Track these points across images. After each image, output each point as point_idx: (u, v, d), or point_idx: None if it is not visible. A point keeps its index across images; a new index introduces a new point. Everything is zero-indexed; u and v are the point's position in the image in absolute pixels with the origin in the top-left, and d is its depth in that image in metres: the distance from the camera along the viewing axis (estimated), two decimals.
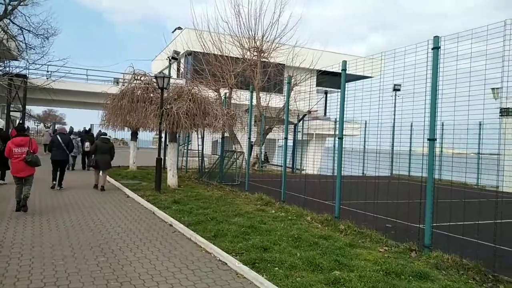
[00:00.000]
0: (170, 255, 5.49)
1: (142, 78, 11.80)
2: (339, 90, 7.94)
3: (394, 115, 14.34)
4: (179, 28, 36.15)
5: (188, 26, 24.68)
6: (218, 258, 5.38)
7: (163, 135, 12.13)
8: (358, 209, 8.78)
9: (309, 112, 19.54)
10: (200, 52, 19.21)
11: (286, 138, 10.90)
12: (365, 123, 17.40)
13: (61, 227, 6.82)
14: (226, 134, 13.64)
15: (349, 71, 7.96)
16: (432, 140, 5.84)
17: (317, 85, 29.39)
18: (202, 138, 14.51)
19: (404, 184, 15.29)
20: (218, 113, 11.15)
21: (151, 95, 11.63)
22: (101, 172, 11.59)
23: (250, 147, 11.66)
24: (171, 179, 12.19)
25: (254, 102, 19.46)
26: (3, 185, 11.33)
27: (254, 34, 19.51)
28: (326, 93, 33.31)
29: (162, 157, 11.54)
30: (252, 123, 15.33)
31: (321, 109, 34.05)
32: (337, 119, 8.38)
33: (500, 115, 13.29)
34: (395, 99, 19.84)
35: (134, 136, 17.34)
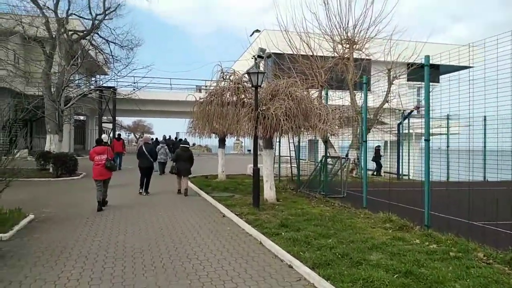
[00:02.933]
0: None
1: (231, 78, 10.26)
2: (434, 83, 5.94)
3: None
4: (257, 31, 34.91)
5: (268, 28, 23.14)
6: None
7: (257, 141, 10.42)
8: None
9: (417, 108, 16.57)
10: (280, 53, 17.36)
11: (365, 141, 9.44)
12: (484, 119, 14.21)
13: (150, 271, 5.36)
14: (329, 138, 11.54)
15: (443, 61, 7.62)
16: None
17: (408, 80, 25.99)
18: (298, 142, 12.60)
19: None
20: (322, 113, 9.14)
21: (242, 96, 10.04)
22: (182, 177, 12.03)
23: (366, 152, 9.41)
24: (269, 192, 10.46)
25: (347, 100, 17.14)
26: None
27: (346, 24, 17.13)
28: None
29: (258, 167, 9.85)
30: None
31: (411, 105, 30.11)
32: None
33: None
34: None
35: (222, 143, 16.08)
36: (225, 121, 9.73)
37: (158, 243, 6.46)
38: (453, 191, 10.50)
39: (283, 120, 8.45)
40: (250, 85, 9.24)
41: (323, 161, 12.67)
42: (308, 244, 6.07)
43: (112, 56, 23.49)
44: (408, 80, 24.06)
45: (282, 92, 9.05)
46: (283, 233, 6.81)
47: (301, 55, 17.25)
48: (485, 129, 14.41)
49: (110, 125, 36.17)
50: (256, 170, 9.47)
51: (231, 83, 9.99)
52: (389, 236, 6.72)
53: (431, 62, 7.12)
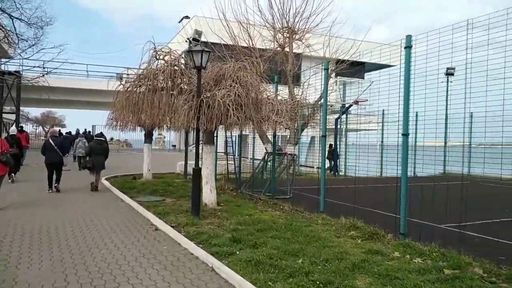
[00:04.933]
0: None
1: (165, 58, 8.47)
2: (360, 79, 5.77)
3: (447, 104, 11.37)
4: (187, 17, 32.68)
5: (200, 15, 21.27)
6: None
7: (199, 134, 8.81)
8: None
9: (356, 102, 16.18)
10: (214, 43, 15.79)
11: (324, 136, 8.32)
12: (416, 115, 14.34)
13: None
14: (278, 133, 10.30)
15: (373, 59, 8.13)
16: None
17: (337, 76, 26.10)
18: (240, 137, 11.23)
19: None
20: (275, 103, 7.86)
21: (179, 81, 8.34)
22: (95, 172, 11.41)
23: (325, 146, 8.39)
24: (209, 195, 8.92)
25: (286, 93, 16.19)
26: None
27: (287, 11, 16.08)
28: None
29: (199, 167, 8.23)
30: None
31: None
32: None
33: None
34: (447, 86, 16.63)
35: (149, 137, 14.07)
36: (158, 111, 7.96)
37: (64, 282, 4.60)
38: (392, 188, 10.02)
39: (232, 110, 6.98)
40: (190, 67, 7.60)
41: (266, 158, 11.48)
42: (275, 267, 4.71)
43: (16, 35, 19.65)
44: (337, 75, 24.03)
45: (230, 76, 7.55)
46: (238, 252, 5.37)
47: (239, 44, 15.84)
48: (416, 126, 14.47)
49: (13, 117, 31.20)
50: (197, 171, 7.88)
51: (165, 64, 8.20)
52: (362, 249, 5.65)
53: (360, 59, 6.87)
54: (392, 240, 6.05)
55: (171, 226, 6.92)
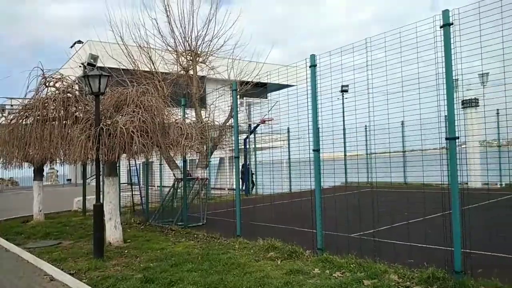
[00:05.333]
0: None
1: (57, 85, 7.55)
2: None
3: (344, 119, 12.53)
4: (79, 41, 30.51)
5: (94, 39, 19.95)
6: None
7: (99, 166, 7.97)
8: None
9: (263, 122, 16.55)
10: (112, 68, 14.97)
11: (237, 157, 8.52)
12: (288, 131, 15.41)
13: None
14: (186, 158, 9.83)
15: (274, 80, 8.22)
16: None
17: (241, 97, 26.70)
18: (147, 165, 10.54)
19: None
20: (184, 127, 7.53)
21: (73, 109, 7.49)
22: None
23: (241, 168, 8.28)
24: (113, 232, 8.08)
25: (193, 116, 15.93)
26: None
27: (189, 34, 15.99)
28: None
29: (101, 202, 7.38)
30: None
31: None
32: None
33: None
34: (343, 102, 18.08)
35: (39, 173, 12.43)
36: (49, 144, 7.00)
37: None
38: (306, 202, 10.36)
39: (137, 137, 6.43)
40: (85, 94, 6.89)
41: (175, 185, 10.94)
42: None
43: None
44: (242, 96, 24.52)
45: (132, 101, 7.01)
46: None
47: (140, 68, 15.16)
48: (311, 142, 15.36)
49: None
50: (98, 207, 7.06)
51: (57, 91, 7.30)
52: (283, 270, 5.55)
53: (262, 80, 7.13)
54: (311, 257, 6.07)
55: (70, 274, 6.01)
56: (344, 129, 11.35)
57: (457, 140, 4.69)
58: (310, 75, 6.34)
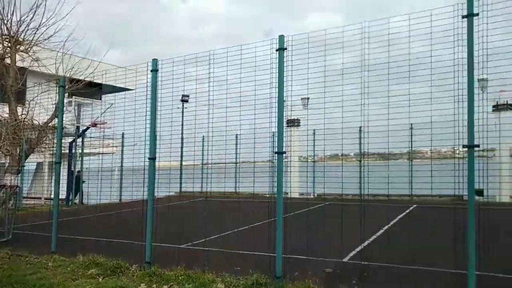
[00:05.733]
0: None
1: None
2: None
3: (182, 127, 12.93)
4: None
5: None
6: None
7: None
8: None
9: (94, 125, 15.00)
10: None
11: (59, 163, 7.52)
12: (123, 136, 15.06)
13: None
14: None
15: (110, 81, 8.08)
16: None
17: (71, 96, 24.03)
18: None
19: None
20: None
21: None
22: None
23: (59, 173, 7.24)
24: None
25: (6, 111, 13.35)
26: None
27: (9, 17, 13.42)
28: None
29: None
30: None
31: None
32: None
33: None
34: (182, 111, 18.21)
35: None
36: None
37: None
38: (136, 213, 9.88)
39: None
40: None
41: None
42: None
43: None
44: (72, 95, 21.97)
45: None
46: None
47: None
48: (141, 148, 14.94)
49: None
50: None
51: None
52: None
53: (96, 80, 6.74)
54: (137, 271, 5.66)
55: None
56: (182, 139, 11.29)
57: (284, 155, 5.13)
58: (151, 80, 6.05)
